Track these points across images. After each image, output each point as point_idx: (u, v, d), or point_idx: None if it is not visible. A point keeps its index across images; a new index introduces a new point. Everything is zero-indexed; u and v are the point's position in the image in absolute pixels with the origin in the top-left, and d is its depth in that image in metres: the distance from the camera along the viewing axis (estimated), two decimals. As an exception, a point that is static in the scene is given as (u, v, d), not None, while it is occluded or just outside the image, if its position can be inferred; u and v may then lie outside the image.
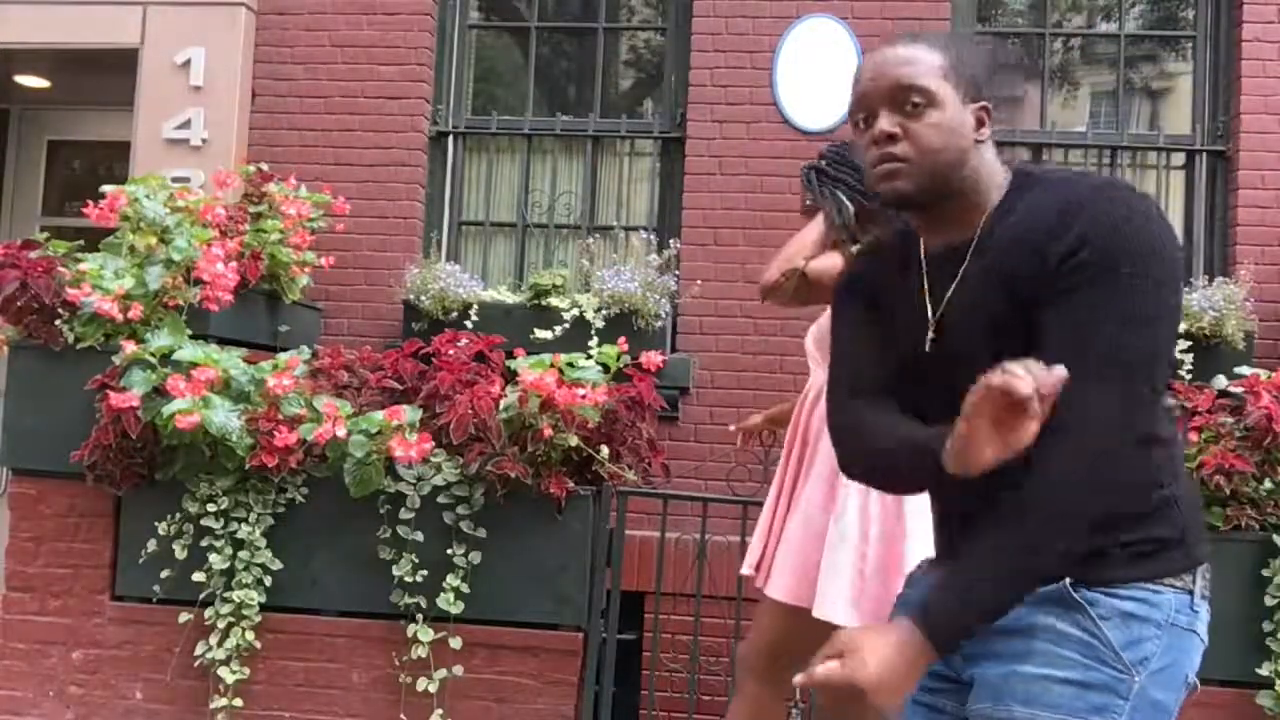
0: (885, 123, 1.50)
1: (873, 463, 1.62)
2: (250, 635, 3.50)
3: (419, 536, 3.49)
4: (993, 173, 1.55)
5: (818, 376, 2.63)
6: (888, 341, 1.65)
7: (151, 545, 3.58)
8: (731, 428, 3.26)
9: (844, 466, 1.66)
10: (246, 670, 3.53)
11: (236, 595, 3.49)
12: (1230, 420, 3.44)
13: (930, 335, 1.56)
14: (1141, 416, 1.42)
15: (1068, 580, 1.44)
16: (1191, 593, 1.49)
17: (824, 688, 1.37)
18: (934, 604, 1.39)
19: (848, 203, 2.56)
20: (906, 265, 1.62)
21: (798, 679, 1.38)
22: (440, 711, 3.47)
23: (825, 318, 2.67)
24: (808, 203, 2.68)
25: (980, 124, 1.53)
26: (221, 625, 3.50)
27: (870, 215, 2.52)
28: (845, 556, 2.44)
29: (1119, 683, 1.45)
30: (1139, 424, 1.42)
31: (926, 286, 1.58)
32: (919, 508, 2.53)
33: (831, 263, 2.50)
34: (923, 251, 1.60)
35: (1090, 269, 1.39)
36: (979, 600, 1.39)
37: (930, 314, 1.56)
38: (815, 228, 2.60)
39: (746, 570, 2.69)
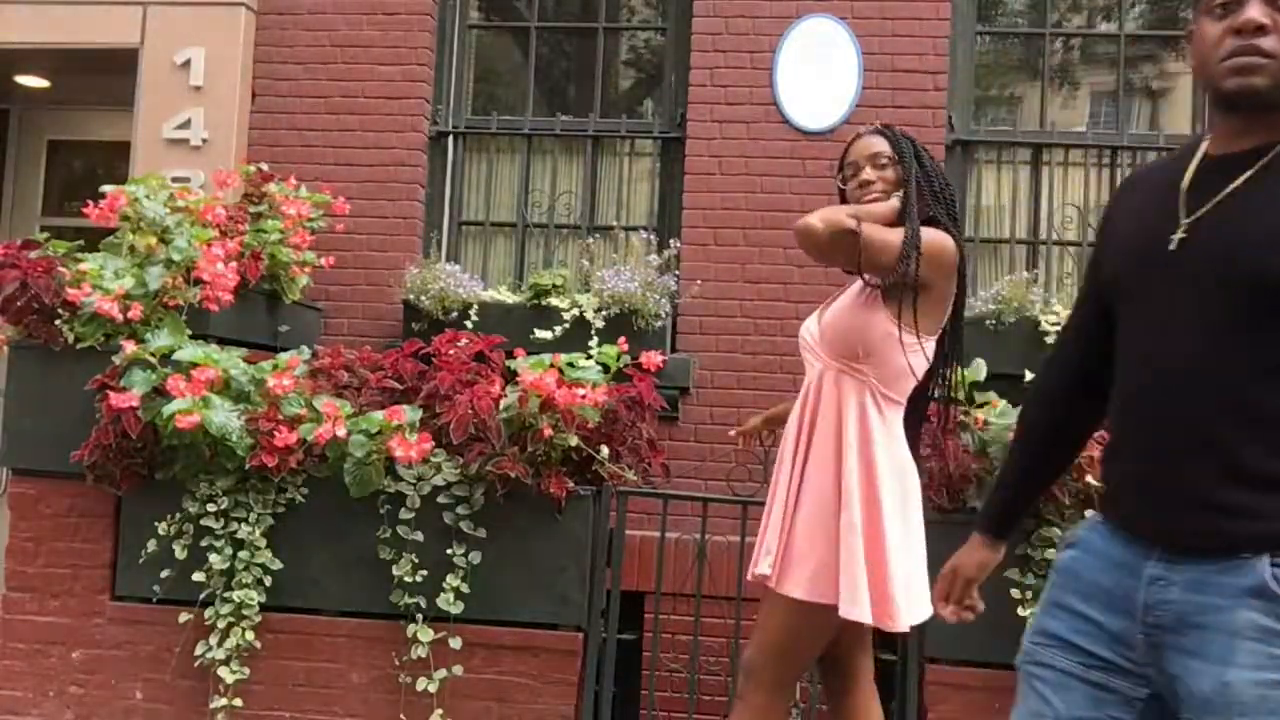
0: (1257, 12, 1.45)
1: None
2: (250, 635, 3.50)
3: (419, 536, 3.49)
4: None
5: (815, 371, 2.63)
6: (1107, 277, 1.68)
7: (151, 545, 3.58)
8: (731, 432, 3.25)
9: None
10: (246, 670, 3.53)
11: (236, 595, 3.49)
12: (1230, 420, 3.44)
13: (1180, 234, 1.52)
14: None
15: (1269, 573, 1.39)
16: None
17: None
18: None
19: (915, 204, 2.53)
20: (1175, 178, 1.59)
21: None
22: (440, 711, 3.47)
23: (829, 312, 2.66)
24: (883, 160, 2.59)
25: None
26: (221, 625, 3.50)
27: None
28: (856, 554, 2.44)
29: None
30: None
31: (1186, 186, 1.54)
32: (911, 500, 2.53)
33: (888, 237, 2.45)
34: (1197, 159, 1.57)
35: None
36: None
37: (1183, 214, 1.52)
38: (889, 206, 2.54)
39: (765, 570, 2.65)
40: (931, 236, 2.48)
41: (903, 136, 2.63)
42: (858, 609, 2.42)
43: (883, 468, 2.48)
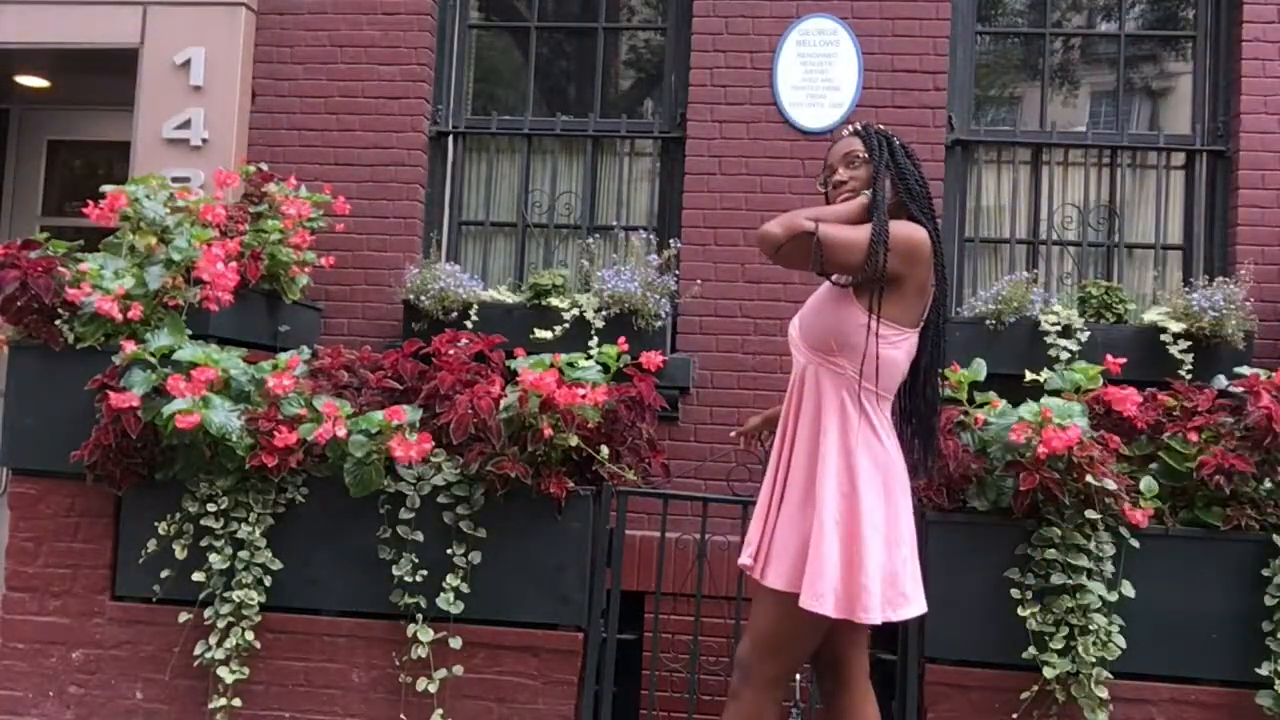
0: None
1: None
2: (250, 635, 3.50)
3: (419, 536, 3.49)
4: None
5: (799, 366, 2.64)
6: None
7: (151, 545, 3.58)
8: (732, 434, 3.27)
9: None
10: (246, 670, 3.53)
11: (236, 595, 3.49)
12: (1230, 420, 3.44)
13: None
14: None
15: None
16: None
17: None
18: None
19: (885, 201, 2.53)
20: None
21: None
22: (440, 711, 3.47)
23: (809, 306, 2.67)
24: (855, 159, 2.60)
25: None
26: (221, 625, 3.50)
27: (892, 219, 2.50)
28: (830, 546, 2.44)
29: None
30: None
31: None
32: (878, 498, 2.52)
33: (852, 235, 2.46)
34: None
35: None
36: None
37: None
38: (856, 203, 2.55)
39: (745, 560, 2.68)
40: (901, 229, 2.49)
41: (876, 134, 2.65)
42: (819, 602, 2.43)
43: (862, 460, 2.49)
